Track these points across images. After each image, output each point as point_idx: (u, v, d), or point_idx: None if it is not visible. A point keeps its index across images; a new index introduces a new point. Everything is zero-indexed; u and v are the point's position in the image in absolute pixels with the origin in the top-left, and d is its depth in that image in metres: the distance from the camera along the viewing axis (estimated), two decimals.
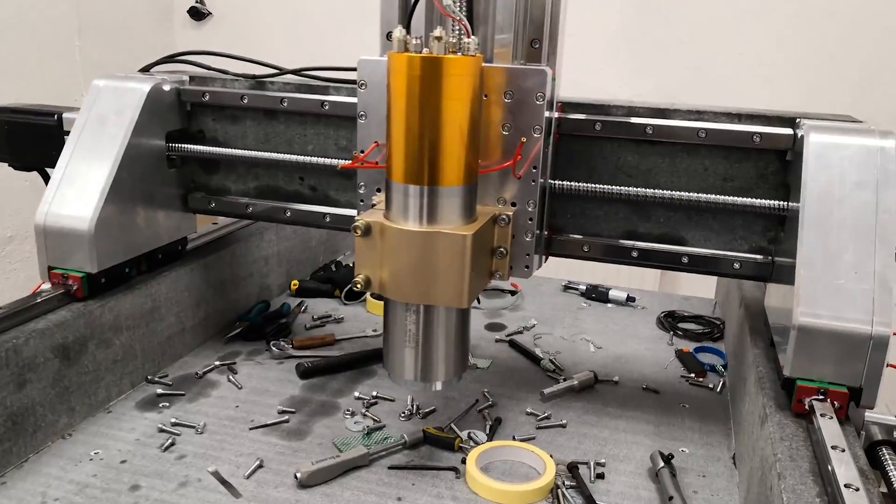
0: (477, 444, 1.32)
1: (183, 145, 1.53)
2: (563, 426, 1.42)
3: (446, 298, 1.14)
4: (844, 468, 0.94)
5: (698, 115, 1.33)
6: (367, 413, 1.42)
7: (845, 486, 0.90)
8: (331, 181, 1.53)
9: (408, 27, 1.12)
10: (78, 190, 1.38)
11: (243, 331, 1.71)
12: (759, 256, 1.36)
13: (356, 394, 1.49)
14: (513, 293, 2.07)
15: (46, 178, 1.62)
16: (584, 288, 2.10)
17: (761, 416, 1.13)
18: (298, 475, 1.20)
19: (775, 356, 1.25)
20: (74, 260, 1.37)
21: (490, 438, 1.35)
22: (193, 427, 1.35)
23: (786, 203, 1.28)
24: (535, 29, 1.21)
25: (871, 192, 1.15)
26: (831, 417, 1.06)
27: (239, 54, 1.54)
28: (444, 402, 1.47)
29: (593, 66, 3.22)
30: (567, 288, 2.14)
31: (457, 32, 1.09)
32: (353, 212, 1.51)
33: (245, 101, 1.50)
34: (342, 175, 1.52)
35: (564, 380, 1.57)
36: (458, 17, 1.07)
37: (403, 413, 1.42)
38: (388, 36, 1.25)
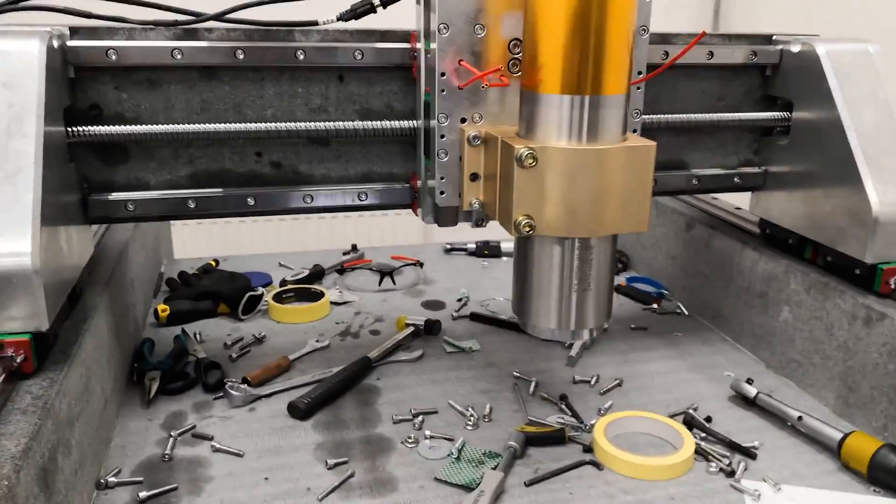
0: (576, 428, 1.15)
1: (89, 128, 1.03)
2: (620, 384, 1.31)
3: (627, 224, 0.97)
4: None
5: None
6: (432, 435, 1.14)
7: None
8: (301, 153, 1.17)
9: None
10: None
11: (163, 383, 1.25)
12: (753, 169, 1.40)
13: (394, 416, 1.18)
14: (412, 264, 1.84)
15: None
16: (473, 247, 1.97)
17: (864, 316, 1.16)
18: None
19: (807, 259, 1.30)
20: (8, 318, 0.84)
21: (578, 419, 1.19)
22: None
23: (789, 113, 1.32)
24: None
25: (881, 89, 1.24)
26: None
27: None
28: (489, 398, 1.26)
29: None
30: (451, 250, 1.98)
31: None
32: (342, 187, 1.18)
33: (179, 56, 1.05)
34: (316, 143, 1.17)
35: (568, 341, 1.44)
36: None
37: (469, 423, 1.17)
38: None
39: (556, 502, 1.00)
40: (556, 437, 1.12)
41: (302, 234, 2.81)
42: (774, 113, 1.33)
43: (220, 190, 1.14)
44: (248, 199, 1.14)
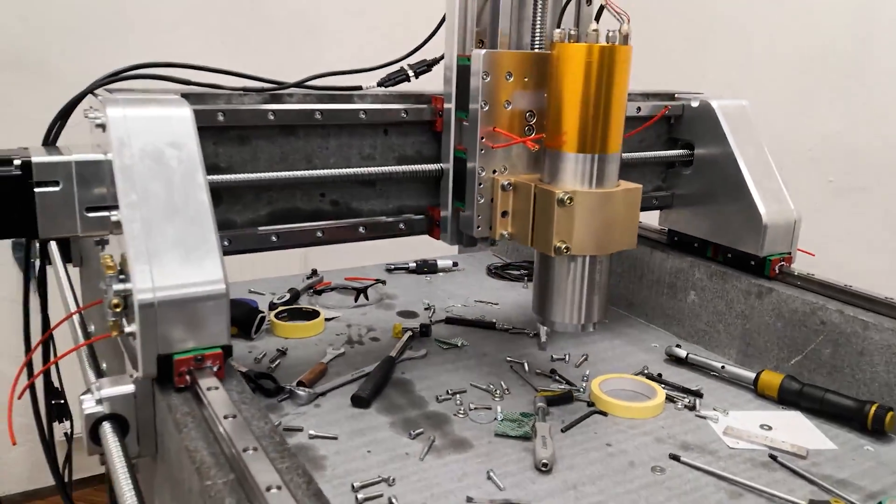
0: (574, 391, 1.53)
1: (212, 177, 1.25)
2: (587, 359, 1.70)
3: (624, 243, 1.34)
4: None
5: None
6: (474, 406, 1.46)
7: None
8: (353, 192, 1.45)
9: (559, 25, 1.26)
10: (181, 249, 1.04)
11: None
12: (663, 192, 1.87)
13: (438, 396, 1.49)
14: (379, 282, 2.13)
15: None
16: (414, 265, 2.29)
17: (756, 291, 1.65)
18: (545, 461, 1.24)
19: (709, 257, 1.79)
20: (201, 337, 1.05)
21: (571, 384, 1.56)
22: (384, 481, 1.20)
23: (692, 151, 1.80)
24: None
25: (754, 131, 1.75)
26: (796, 273, 1.65)
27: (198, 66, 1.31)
28: (498, 377, 1.59)
29: None
30: (394, 270, 2.29)
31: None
32: (384, 218, 1.48)
33: (272, 117, 1.30)
34: (364, 184, 1.45)
35: (532, 332, 1.82)
36: (623, 13, 1.25)
37: (496, 396, 1.50)
38: (482, 42, 1.35)
39: (588, 440, 1.36)
40: (567, 397, 1.49)
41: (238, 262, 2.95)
42: (680, 151, 1.80)
43: (292, 226, 1.39)
44: (318, 233, 1.40)
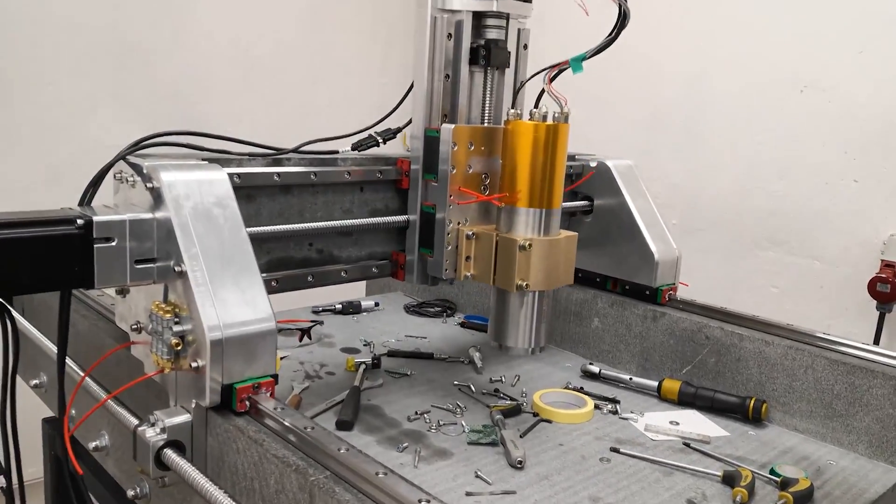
0: (520, 407, 1.81)
1: None
2: (519, 378, 2.00)
3: (565, 280, 1.65)
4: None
5: None
6: (442, 422, 1.70)
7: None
8: (335, 242, 1.66)
9: (514, 105, 1.57)
10: (237, 292, 1.22)
11: None
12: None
13: (409, 416, 1.71)
14: (317, 323, 2.32)
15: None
16: (340, 307, 2.49)
17: (651, 315, 2.03)
18: (520, 459, 1.51)
19: (609, 290, 2.15)
20: (255, 367, 1.23)
21: (514, 399, 1.85)
22: None
23: (591, 202, 2.17)
24: None
25: (641, 186, 2.16)
26: (680, 299, 2.05)
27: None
28: (453, 398, 1.84)
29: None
30: (322, 311, 2.48)
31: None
32: (360, 263, 1.70)
33: (278, 178, 1.50)
34: (344, 234, 1.67)
35: (467, 359, 2.10)
36: (561, 96, 1.58)
37: (457, 413, 1.76)
38: (445, 116, 1.63)
39: (542, 442, 1.64)
40: (516, 410, 1.77)
41: None
42: (581, 202, 2.17)
43: (287, 272, 1.58)
44: (309, 277, 1.60)
